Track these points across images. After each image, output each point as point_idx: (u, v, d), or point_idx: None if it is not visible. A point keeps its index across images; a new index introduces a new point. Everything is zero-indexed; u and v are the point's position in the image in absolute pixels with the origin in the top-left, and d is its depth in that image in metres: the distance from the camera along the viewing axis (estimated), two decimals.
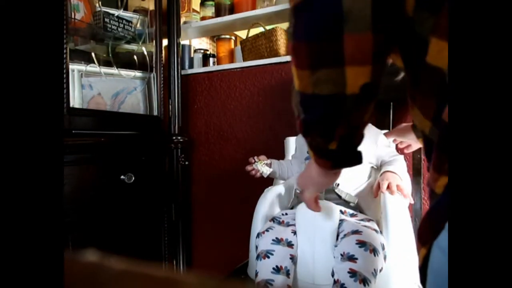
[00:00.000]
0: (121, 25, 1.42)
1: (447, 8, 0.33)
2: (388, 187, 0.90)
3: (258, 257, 0.84)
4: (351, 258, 0.77)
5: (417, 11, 0.37)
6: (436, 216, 0.36)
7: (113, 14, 1.42)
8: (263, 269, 0.81)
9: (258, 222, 0.98)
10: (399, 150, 0.99)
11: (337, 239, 0.84)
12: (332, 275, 0.78)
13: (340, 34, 0.38)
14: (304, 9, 0.40)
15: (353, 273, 0.74)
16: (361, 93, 0.42)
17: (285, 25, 1.55)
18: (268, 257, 0.82)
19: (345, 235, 0.82)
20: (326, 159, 0.53)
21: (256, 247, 0.88)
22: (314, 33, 0.40)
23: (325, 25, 0.39)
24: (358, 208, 0.95)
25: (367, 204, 0.96)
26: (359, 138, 0.50)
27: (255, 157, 1.11)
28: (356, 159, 0.53)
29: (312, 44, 0.41)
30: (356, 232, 0.81)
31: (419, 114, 0.43)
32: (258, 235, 0.89)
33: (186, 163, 1.57)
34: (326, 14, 0.38)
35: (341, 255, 0.78)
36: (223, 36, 1.71)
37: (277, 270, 0.80)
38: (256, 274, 0.82)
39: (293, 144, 1.21)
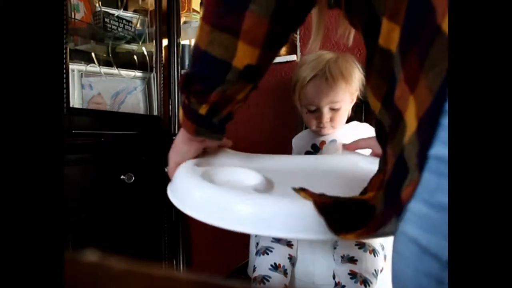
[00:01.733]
0: (121, 25, 1.42)
1: None
2: None
3: (257, 253, 0.84)
4: (351, 260, 0.77)
5: None
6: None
7: (113, 14, 1.42)
8: (261, 265, 0.81)
9: None
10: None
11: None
12: (334, 278, 0.78)
13: (244, 8, 0.40)
14: None
15: (353, 275, 0.74)
16: (243, 71, 0.45)
17: None
18: (267, 254, 0.82)
19: None
20: (192, 122, 0.54)
21: (257, 244, 0.88)
22: None
23: None
24: None
25: None
26: (227, 114, 0.53)
27: None
28: (218, 132, 0.56)
29: (220, 4, 0.42)
30: None
31: (370, 94, 0.44)
32: None
33: None
34: None
35: (341, 257, 0.78)
36: None
37: (275, 267, 0.80)
38: (254, 269, 0.82)
39: None
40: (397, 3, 0.34)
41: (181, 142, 0.61)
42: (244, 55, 0.43)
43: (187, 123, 0.55)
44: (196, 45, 0.47)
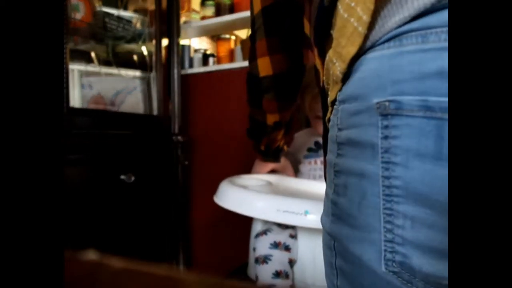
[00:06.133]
0: (121, 25, 1.42)
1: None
2: None
3: (257, 261, 0.84)
4: None
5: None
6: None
7: (113, 14, 1.42)
8: (263, 274, 0.82)
9: (258, 222, 0.98)
10: None
11: None
12: None
13: (262, 96, 0.74)
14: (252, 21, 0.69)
15: None
16: (273, 125, 0.79)
17: None
18: (267, 263, 0.82)
19: None
20: (258, 154, 0.94)
21: (254, 249, 0.88)
22: (251, 35, 0.70)
23: (252, 30, 0.69)
24: None
25: None
26: (276, 147, 0.90)
27: None
28: (274, 158, 0.94)
29: (249, 96, 0.80)
30: None
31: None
32: (257, 235, 0.89)
33: (186, 163, 1.56)
34: (251, 25, 0.68)
35: None
36: (223, 36, 1.71)
37: (277, 275, 0.81)
38: (257, 278, 0.83)
39: None
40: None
41: (258, 163, 0.98)
42: (270, 118, 0.78)
43: (257, 154, 0.94)
44: (250, 114, 0.82)
